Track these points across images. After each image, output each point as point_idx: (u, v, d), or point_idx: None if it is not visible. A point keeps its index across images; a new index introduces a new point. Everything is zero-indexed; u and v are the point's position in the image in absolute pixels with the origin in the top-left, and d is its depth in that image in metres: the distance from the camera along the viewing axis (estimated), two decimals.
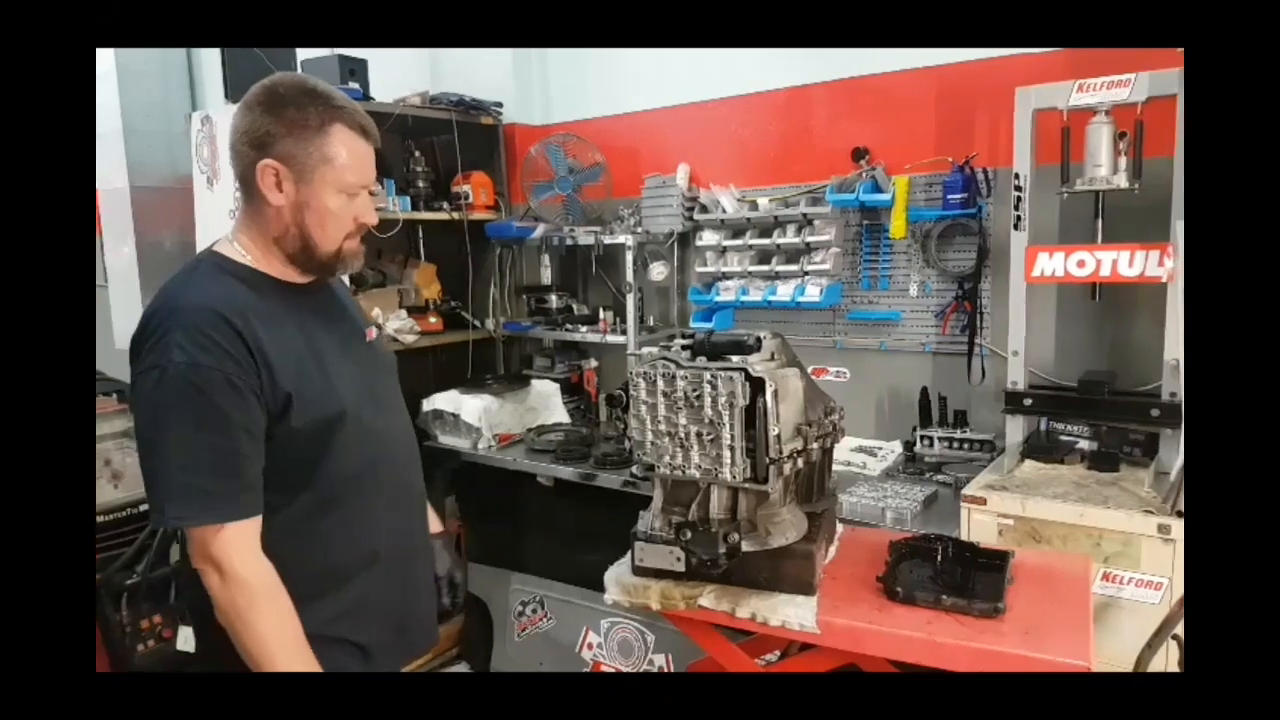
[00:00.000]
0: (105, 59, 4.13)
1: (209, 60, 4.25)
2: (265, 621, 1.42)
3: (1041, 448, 2.61)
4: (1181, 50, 2.12)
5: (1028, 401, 2.57)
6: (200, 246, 3.57)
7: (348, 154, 1.50)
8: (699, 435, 1.76)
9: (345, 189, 1.51)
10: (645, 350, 1.88)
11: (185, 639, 2.66)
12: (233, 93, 3.28)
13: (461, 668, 3.74)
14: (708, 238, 3.43)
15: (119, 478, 2.69)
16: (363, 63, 3.42)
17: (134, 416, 1.45)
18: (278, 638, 1.43)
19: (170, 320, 1.39)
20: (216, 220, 3.34)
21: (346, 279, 1.86)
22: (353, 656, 1.60)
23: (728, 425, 1.73)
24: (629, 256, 3.42)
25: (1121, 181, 2.36)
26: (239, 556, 1.41)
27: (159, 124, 4.21)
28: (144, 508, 2.71)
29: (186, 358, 1.36)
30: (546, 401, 3.64)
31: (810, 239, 3.18)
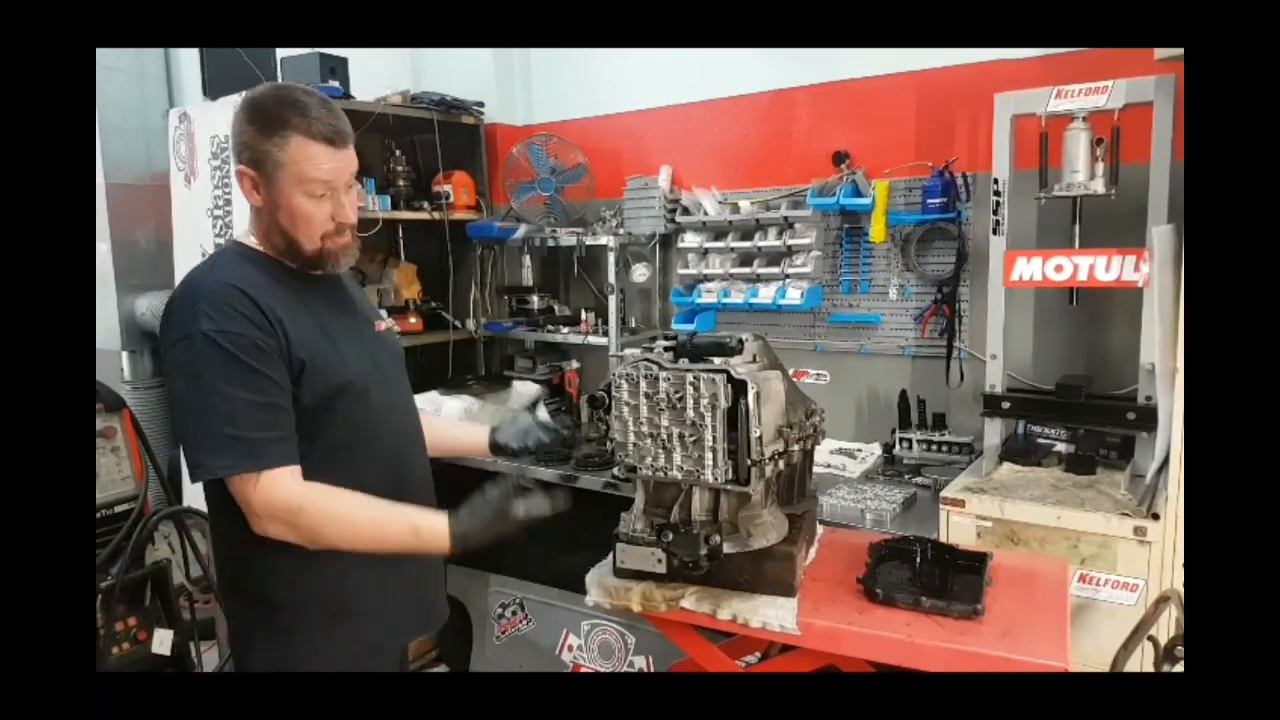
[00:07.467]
0: None
1: (188, 57, 4.20)
2: (346, 516, 1.55)
3: (1019, 450, 2.63)
4: (1156, 58, 2.16)
5: (1006, 404, 2.59)
6: (178, 244, 3.58)
7: (304, 157, 1.56)
8: (681, 437, 1.77)
9: (308, 190, 1.58)
10: (628, 351, 1.88)
11: (161, 642, 2.64)
12: (211, 90, 3.25)
13: (440, 670, 3.72)
14: (690, 240, 3.44)
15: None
16: (343, 61, 3.40)
17: (169, 386, 1.58)
18: (367, 518, 1.57)
19: (196, 295, 1.52)
20: (194, 218, 3.28)
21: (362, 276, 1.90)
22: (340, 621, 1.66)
23: (710, 427, 1.73)
24: (611, 258, 3.42)
25: (1099, 187, 2.38)
26: (284, 493, 1.50)
27: (135, 120, 4.15)
28: (119, 509, 2.67)
29: (214, 325, 1.47)
30: (527, 402, 3.63)
31: (791, 242, 3.19)
